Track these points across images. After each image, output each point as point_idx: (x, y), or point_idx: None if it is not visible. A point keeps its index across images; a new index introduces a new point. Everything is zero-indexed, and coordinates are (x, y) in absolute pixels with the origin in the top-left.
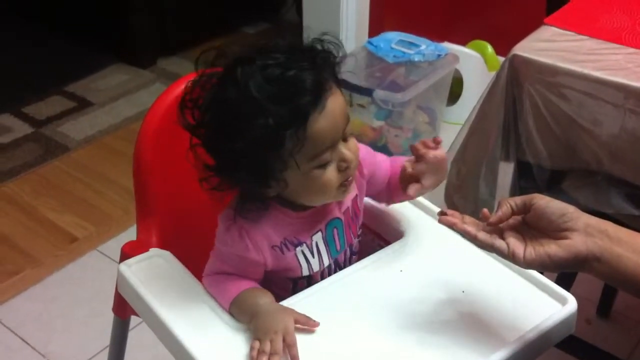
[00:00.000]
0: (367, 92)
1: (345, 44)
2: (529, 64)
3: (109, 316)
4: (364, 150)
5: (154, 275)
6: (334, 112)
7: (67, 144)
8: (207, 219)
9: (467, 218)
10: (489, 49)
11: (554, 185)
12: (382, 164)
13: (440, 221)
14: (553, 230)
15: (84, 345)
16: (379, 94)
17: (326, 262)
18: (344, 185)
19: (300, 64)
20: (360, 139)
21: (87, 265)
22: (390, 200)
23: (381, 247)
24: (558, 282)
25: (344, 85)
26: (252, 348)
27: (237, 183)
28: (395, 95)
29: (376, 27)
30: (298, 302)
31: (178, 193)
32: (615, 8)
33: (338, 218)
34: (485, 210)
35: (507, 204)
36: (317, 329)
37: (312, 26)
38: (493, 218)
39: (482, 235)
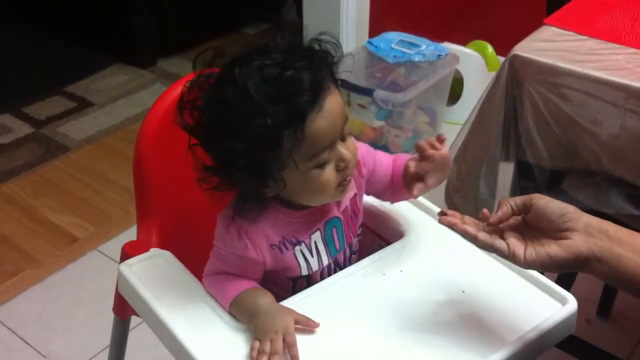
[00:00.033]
0: (368, 92)
1: (346, 44)
2: (529, 64)
3: (109, 316)
4: (364, 149)
5: (154, 275)
6: (332, 111)
7: (67, 144)
8: (207, 219)
9: (467, 218)
10: (489, 49)
11: (554, 185)
12: (382, 162)
13: (440, 221)
14: (553, 230)
15: (84, 346)
16: (379, 94)
17: (325, 261)
18: (342, 185)
19: (298, 63)
20: (360, 139)
21: (87, 266)
22: (393, 198)
23: (381, 247)
24: (558, 282)
25: (344, 85)
26: (252, 348)
27: (236, 183)
28: (395, 96)
29: (376, 27)
30: (298, 302)
31: (178, 193)
32: (615, 8)
33: (337, 217)
34: (485, 210)
35: (507, 204)
36: (317, 329)
37: (312, 26)
38: (493, 218)
39: (483, 236)
